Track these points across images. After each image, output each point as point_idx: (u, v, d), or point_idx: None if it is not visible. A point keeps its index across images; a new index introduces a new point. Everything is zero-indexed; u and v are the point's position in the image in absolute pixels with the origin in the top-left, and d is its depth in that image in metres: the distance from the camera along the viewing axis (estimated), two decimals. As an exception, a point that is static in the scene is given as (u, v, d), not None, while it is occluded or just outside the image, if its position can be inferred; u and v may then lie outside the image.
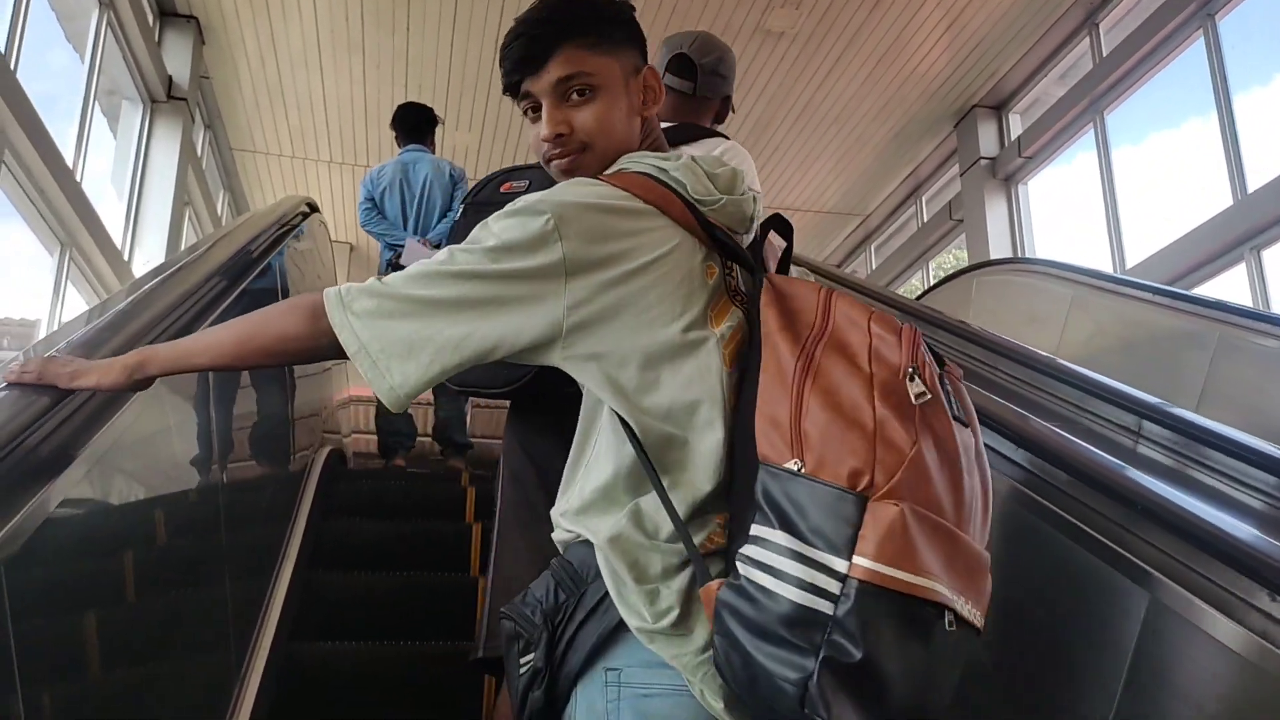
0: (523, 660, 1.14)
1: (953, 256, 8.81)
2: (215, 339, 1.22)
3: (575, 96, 1.20)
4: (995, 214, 7.70)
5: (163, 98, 6.63)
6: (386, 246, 4.57)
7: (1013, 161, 7.62)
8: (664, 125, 1.69)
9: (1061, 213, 7.82)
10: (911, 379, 1.01)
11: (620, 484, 1.12)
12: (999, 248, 7.59)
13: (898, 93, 7.74)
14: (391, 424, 4.69)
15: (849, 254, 10.53)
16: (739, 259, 1.16)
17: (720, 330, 1.11)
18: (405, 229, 4.52)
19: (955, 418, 1.04)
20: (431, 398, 4.62)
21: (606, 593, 1.09)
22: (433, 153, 4.74)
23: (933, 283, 6.58)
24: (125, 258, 6.27)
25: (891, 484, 0.94)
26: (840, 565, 0.93)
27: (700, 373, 1.09)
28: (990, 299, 5.35)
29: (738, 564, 0.98)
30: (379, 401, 1.11)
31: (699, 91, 2.21)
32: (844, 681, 0.92)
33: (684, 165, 1.16)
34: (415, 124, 4.76)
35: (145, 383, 1.22)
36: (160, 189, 6.52)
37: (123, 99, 6.53)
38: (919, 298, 5.93)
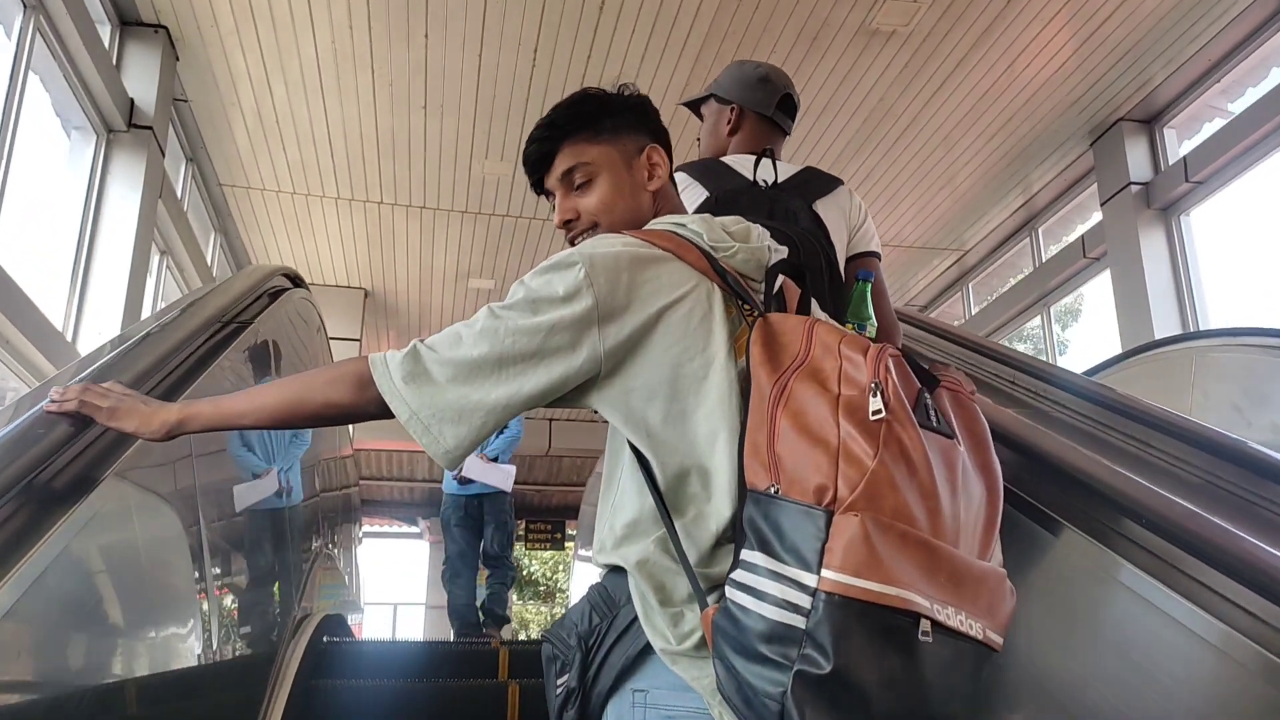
0: (559, 681, 1.22)
1: (1079, 299, 7.33)
2: (261, 402, 1.30)
3: (580, 184, 1.36)
4: (1152, 251, 6.21)
5: (122, 126, 5.31)
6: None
7: (1176, 187, 6.13)
8: (790, 173, 2.03)
9: (1229, 249, 6.33)
10: (873, 395, 1.02)
11: (646, 518, 1.19)
12: (1160, 293, 6.11)
13: (1026, 105, 6.30)
14: (461, 614, 5.68)
15: (938, 295, 9.06)
16: (748, 300, 1.21)
17: (742, 363, 1.17)
18: None
19: (938, 431, 1.07)
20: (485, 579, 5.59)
21: (636, 616, 1.17)
22: None
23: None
24: (69, 322, 4.93)
25: (854, 496, 0.98)
26: (810, 580, 0.97)
27: (720, 404, 1.15)
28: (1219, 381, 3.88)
29: (726, 588, 1.04)
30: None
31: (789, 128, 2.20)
32: (818, 693, 0.94)
33: (700, 219, 1.30)
34: None
35: (178, 436, 1.32)
36: (116, 238, 5.18)
37: (72, 128, 5.21)
38: (1092, 372, 4.48)
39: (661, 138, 1.41)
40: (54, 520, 1.28)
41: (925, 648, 0.97)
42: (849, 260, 2.05)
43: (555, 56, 5.83)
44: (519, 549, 15.75)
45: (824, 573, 0.96)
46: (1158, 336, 5.91)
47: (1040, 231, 7.60)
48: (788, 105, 2.15)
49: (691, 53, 5.78)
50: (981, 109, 6.32)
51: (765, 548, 1.01)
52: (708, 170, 2.00)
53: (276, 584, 2.98)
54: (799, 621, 0.96)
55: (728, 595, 1.03)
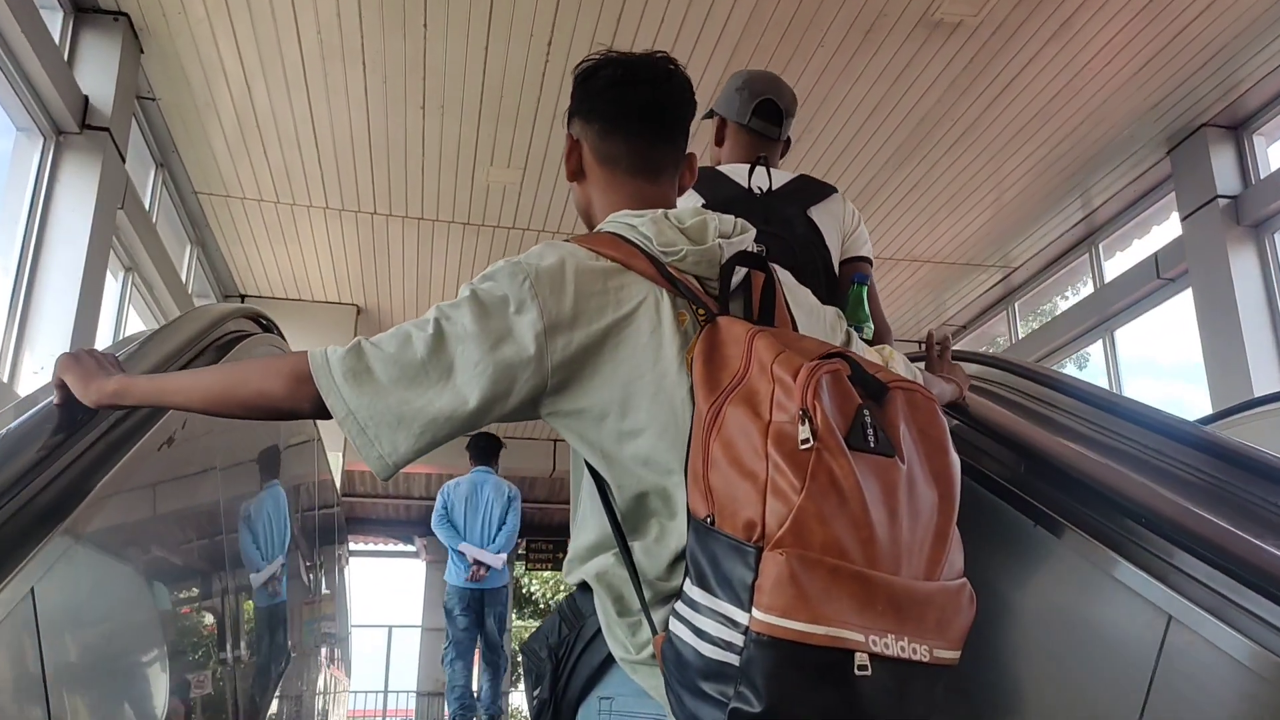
0: (534, 694, 1.25)
1: (1148, 324, 6.63)
2: (194, 382, 1.29)
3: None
4: (1244, 271, 5.51)
5: (74, 127, 4.59)
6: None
7: (1271, 201, 5.43)
8: (785, 180, 2.07)
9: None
10: (802, 422, 0.99)
11: (606, 539, 1.18)
12: (1253, 319, 5.42)
13: (1100, 108, 5.60)
14: (460, 697, 6.02)
15: (978, 315, 8.35)
16: (701, 305, 1.18)
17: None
18: (467, 536, 5.92)
19: (876, 452, 1.02)
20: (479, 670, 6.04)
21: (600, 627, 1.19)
22: (496, 473, 6.20)
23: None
24: (4, 359, 4.21)
25: (780, 533, 0.96)
26: (742, 618, 0.96)
27: (672, 422, 1.13)
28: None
29: (670, 619, 1.05)
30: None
31: (782, 135, 2.17)
32: None
33: (651, 219, 1.23)
34: (486, 450, 6.21)
35: (113, 409, 1.41)
36: (66, 255, 4.47)
37: (16, 129, 4.49)
38: (1210, 421, 3.80)
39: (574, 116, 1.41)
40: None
41: (864, 680, 0.96)
42: (843, 264, 2.08)
43: (572, 49, 5.12)
44: (519, 568, 15.24)
45: (754, 612, 0.96)
46: (1251, 366, 5.22)
47: (1100, 247, 6.90)
48: (768, 110, 2.12)
49: (728, 45, 5.07)
50: (1050, 112, 5.61)
51: (703, 582, 1.02)
52: (704, 178, 1.94)
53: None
54: (733, 659, 0.97)
55: (670, 628, 1.05)
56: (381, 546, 16.49)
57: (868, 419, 1.03)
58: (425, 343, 1.15)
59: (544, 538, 14.98)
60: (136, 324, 6.26)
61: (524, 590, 18.39)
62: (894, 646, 0.98)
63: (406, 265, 7.44)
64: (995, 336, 8.55)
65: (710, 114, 2.22)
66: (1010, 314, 7.94)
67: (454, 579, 6.04)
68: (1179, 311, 6.20)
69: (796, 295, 1.35)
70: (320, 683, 4.01)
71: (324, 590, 4.67)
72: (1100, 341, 6.81)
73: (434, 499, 14.39)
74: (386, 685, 15.99)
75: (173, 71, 5.28)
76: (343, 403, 1.14)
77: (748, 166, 2.02)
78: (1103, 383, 6.75)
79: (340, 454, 7.57)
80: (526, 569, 15.80)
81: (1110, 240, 6.89)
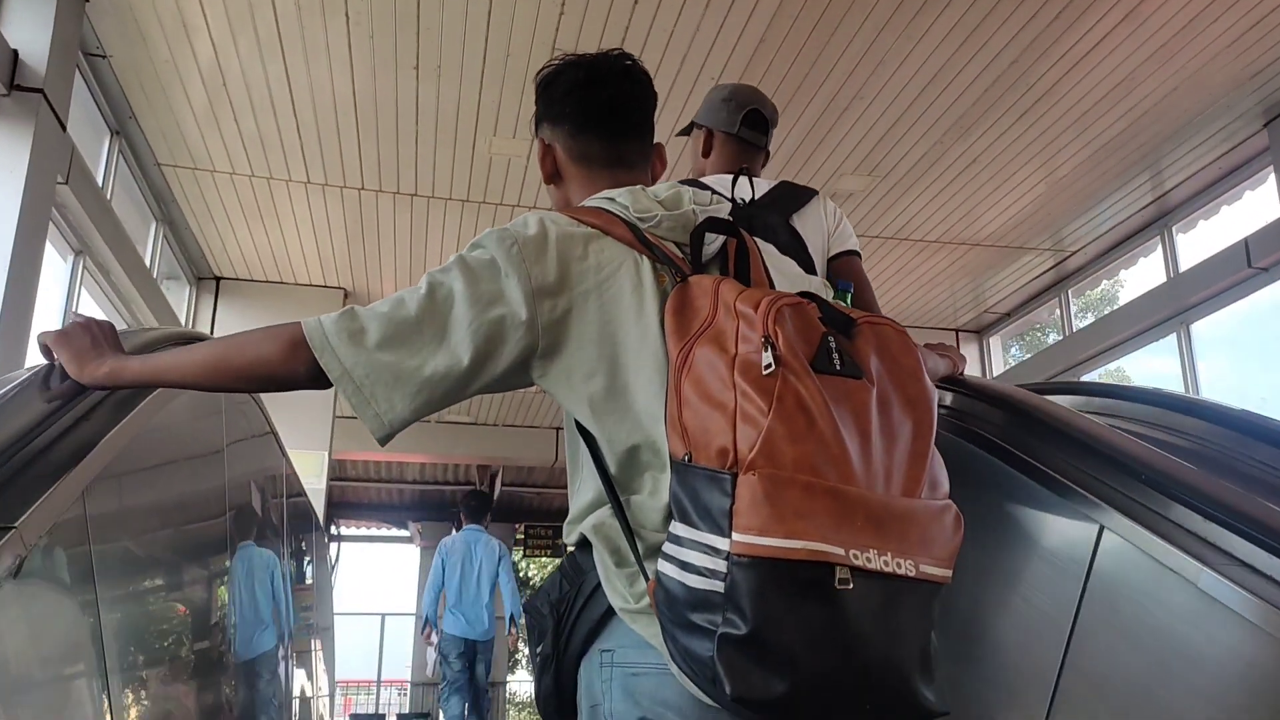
0: (537, 650, 1.26)
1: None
2: (189, 357, 1.29)
3: None
4: (1359, 266, 4.82)
5: (1, 89, 3.85)
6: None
7: (1394, 183, 4.74)
8: (766, 188, 2.12)
9: None
10: (765, 349, 1.03)
11: (601, 500, 1.20)
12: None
13: (1192, 77, 4.87)
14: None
15: (1024, 302, 7.65)
16: (677, 268, 1.21)
17: None
18: (461, 592, 6.65)
19: (843, 374, 1.06)
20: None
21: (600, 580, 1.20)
22: (486, 531, 6.93)
23: None
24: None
25: (752, 455, 0.99)
26: (723, 544, 0.99)
27: (657, 375, 1.15)
28: None
29: (658, 561, 1.07)
30: None
31: (767, 145, 2.25)
32: (740, 654, 0.97)
33: (628, 191, 1.30)
34: (478, 509, 7.02)
35: (109, 389, 1.42)
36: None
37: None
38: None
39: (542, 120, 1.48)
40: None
41: (848, 596, 0.98)
42: (830, 261, 2.11)
43: (590, 5, 4.39)
44: (517, 554, 14.80)
45: (733, 535, 0.98)
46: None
47: (1174, 231, 6.19)
48: (755, 120, 2.17)
49: (775, -2, 4.34)
50: (1139, 78, 4.88)
51: (685, 517, 1.04)
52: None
53: None
54: (718, 586, 0.98)
55: (659, 568, 1.06)
56: (375, 531, 16.01)
57: (833, 344, 1.07)
58: (418, 303, 1.19)
59: (543, 523, 14.52)
60: (94, 311, 5.56)
61: (523, 573, 18.02)
62: (876, 561, 1.00)
63: (399, 246, 6.71)
64: (1042, 325, 7.87)
65: (690, 128, 2.28)
66: (1063, 301, 7.24)
67: (451, 628, 6.67)
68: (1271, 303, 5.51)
69: (780, 265, 1.37)
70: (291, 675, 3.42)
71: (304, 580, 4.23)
72: (1174, 335, 6.11)
73: (428, 484, 14.02)
74: (380, 676, 15.60)
75: (126, 25, 4.53)
76: (338, 362, 1.17)
77: (730, 177, 1.98)
78: (1176, 379, 6.07)
79: (325, 453, 6.91)
80: (524, 554, 15.48)
81: (1181, 224, 6.19)
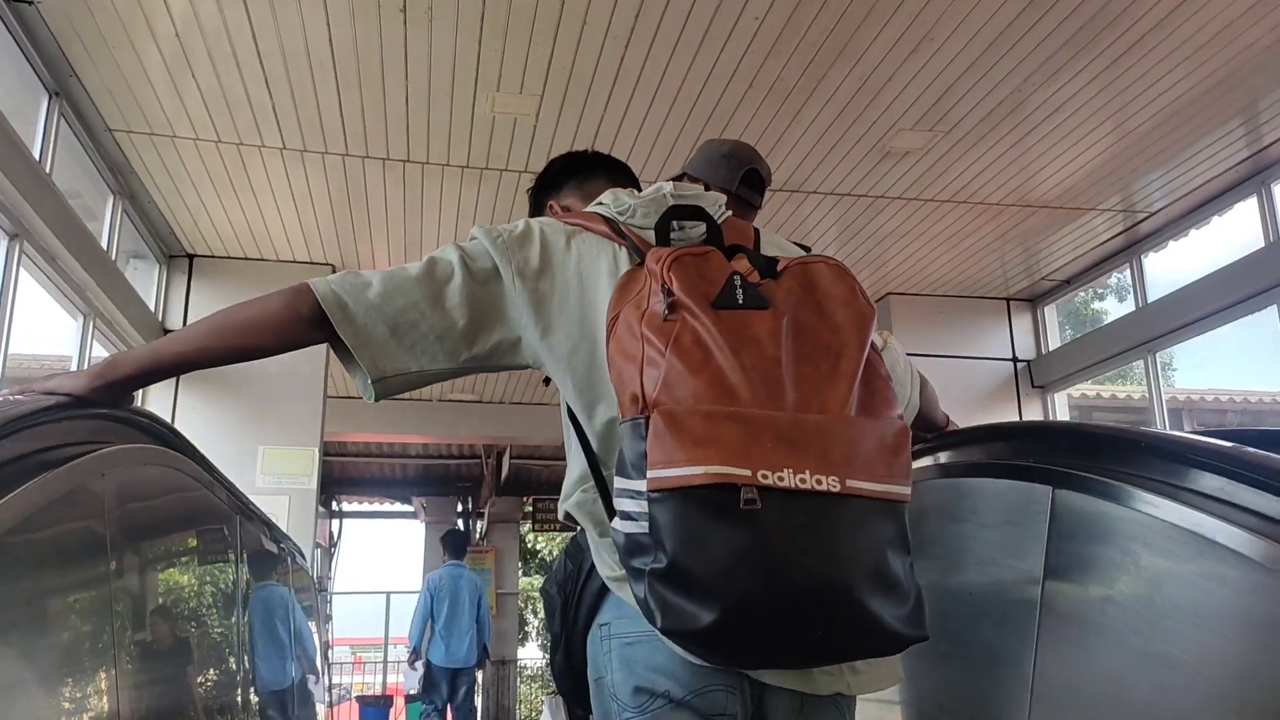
0: (550, 631, 1.34)
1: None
2: (188, 331, 1.30)
3: None
4: None
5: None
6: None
7: None
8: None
9: None
10: (664, 296, 1.12)
11: (586, 475, 1.28)
12: None
13: (1324, 8, 4.10)
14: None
15: (1086, 269, 6.90)
16: (641, 255, 1.27)
17: None
18: (449, 623, 7.77)
19: (747, 306, 1.13)
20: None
21: None
22: (467, 567, 8.28)
23: None
24: None
25: (655, 394, 1.06)
26: (642, 486, 1.05)
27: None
28: None
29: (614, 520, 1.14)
30: None
31: (761, 205, 2.25)
32: (666, 587, 1.01)
33: (611, 193, 1.42)
34: (459, 546, 8.36)
35: (119, 390, 1.31)
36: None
37: None
38: None
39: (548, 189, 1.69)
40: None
41: (761, 516, 0.99)
42: None
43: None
44: (525, 527, 14.89)
45: (648, 474, 1.03)
46: None
47: (1274, 189, 5.44)
48: (752, 180, 2.19)
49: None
50: (1259, 13, 4.11)
51: (622, 470, 1.10)
52: None
53: None
54: (645, 527, 1.04)
55: (612, 526, 1.13)
56: (378, 507, 15.51)
57: (737, 281, 1.15)
58: (419, 268, 1.31)
59: (553, 496, 14.01)
60: (43, 300, 4.88)
61: (529, 545, 17.56)
62: (791, 479, 1.01)
63: (391, 216, 5.97)
64: (1110, 293, 7.14)
65: (680, 179, 2.28)
66: (1134, 268, 6.50)
67: (436, 658, 7.75)
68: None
69: (778, 241, 1.46)
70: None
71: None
72: (1275, 307, 5.38)
73: (431, 459, 13.47)
74: (386, 656, 15.15)
75: (53, -37, 3.75)
76: (339, 306, 1.25)
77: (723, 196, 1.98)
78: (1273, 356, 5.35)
79: (315, 450, 6.22)
80: (533, 528, 15.09)
81: (1281, 180, 5.44)
